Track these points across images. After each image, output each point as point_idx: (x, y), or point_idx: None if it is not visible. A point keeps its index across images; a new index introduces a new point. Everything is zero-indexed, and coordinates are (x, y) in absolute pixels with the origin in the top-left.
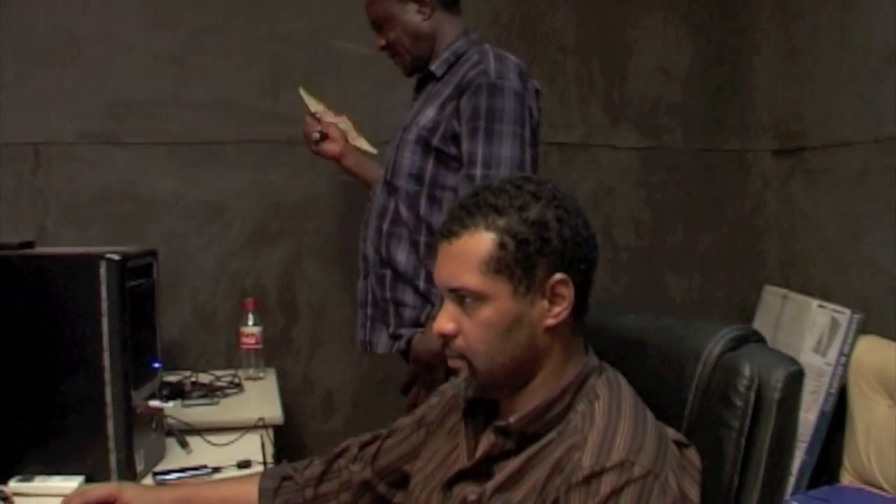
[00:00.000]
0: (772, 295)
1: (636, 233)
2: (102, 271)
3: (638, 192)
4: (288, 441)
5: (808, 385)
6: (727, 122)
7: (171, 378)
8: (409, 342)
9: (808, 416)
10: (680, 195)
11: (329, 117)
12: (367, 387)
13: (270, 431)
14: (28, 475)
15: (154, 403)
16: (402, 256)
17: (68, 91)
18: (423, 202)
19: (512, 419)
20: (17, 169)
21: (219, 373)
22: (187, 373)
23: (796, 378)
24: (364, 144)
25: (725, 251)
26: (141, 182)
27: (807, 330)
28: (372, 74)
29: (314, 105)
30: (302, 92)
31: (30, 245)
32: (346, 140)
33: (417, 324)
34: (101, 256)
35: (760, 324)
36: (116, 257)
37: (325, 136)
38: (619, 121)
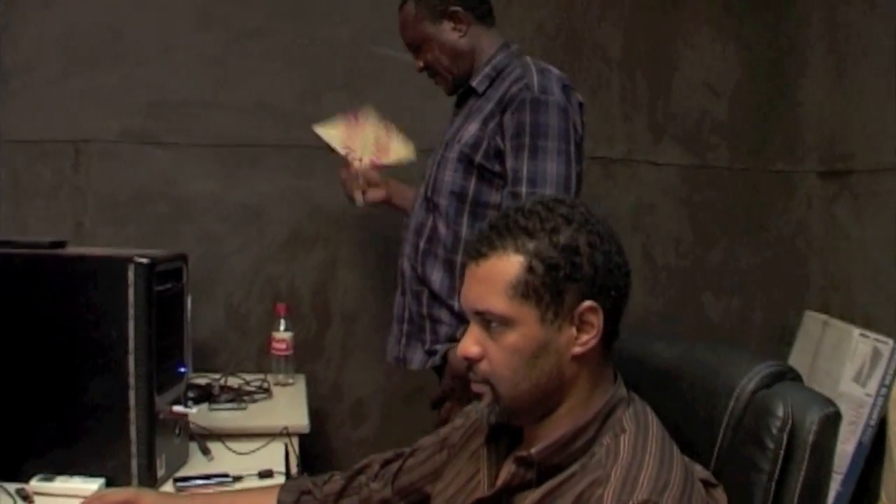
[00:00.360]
0: (812, 320)
1: (676, 252)
2: (130, 274)
3: (679, 210)
4: (315, 448)
5: (847, 415)
6: (773, 142)
7: (201, 381)
8: (443, 357)
9: (846, 447)
10: (722, 214)
11: (355, 152)
12: (397, 397)
13: (296, 439)
14: (49, 475)
15: (178, 409)
16: (436, 276)
17: (110, 90)
18: (465, 221)
19: (534, 450)
20: (57, 165)
21: (248, 377)
22: (217, 375)
23: (832, 421)
24: (399, 153)
25: (767, 273)
26: (179, 182)
27: (847, 358)
28: (414, 82)
29: (336, 140)
30: (320, 131)
31: (61, 245)
32: (387, 182)
33: (453, 339)
34: (129, 259)
35: (800, 350)
36: (144, 261)
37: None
38: (663, 137)
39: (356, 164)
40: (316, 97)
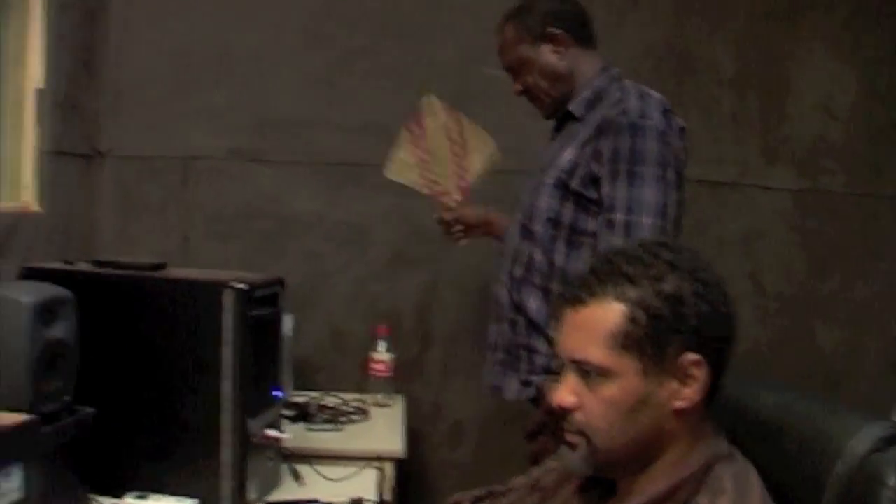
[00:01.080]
0: None
1: (787, 279)
2: (226, 299)
3: (791, 236)
4: (411, 468)
5: None
6: (892, 166)
7: (299, 399)
8: (539, 389)
9: None
10: (836, 241)
11: (438, 183)
12: (496, 421)
13: (391, 463)
14: (144, 493)
15: (271, 433)
16: (533, 304)
17: (219, 108)
18: (560, 248)
19: None
20: (166, 181)
21: (347, 396)
22: (315, 394)
23: None
24: (481, 151)
25: (883, 304)
26: (284, 200)
27: None
28: (519, 102)
29: (413, 175)
30: (393, 174)
31: (161, 267)
32: (485, 216)
33: (549, 370)
34: (225, 285)
35: None
36: (240, 286)
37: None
38: (775, 160)
39: (449, 204)
40: None
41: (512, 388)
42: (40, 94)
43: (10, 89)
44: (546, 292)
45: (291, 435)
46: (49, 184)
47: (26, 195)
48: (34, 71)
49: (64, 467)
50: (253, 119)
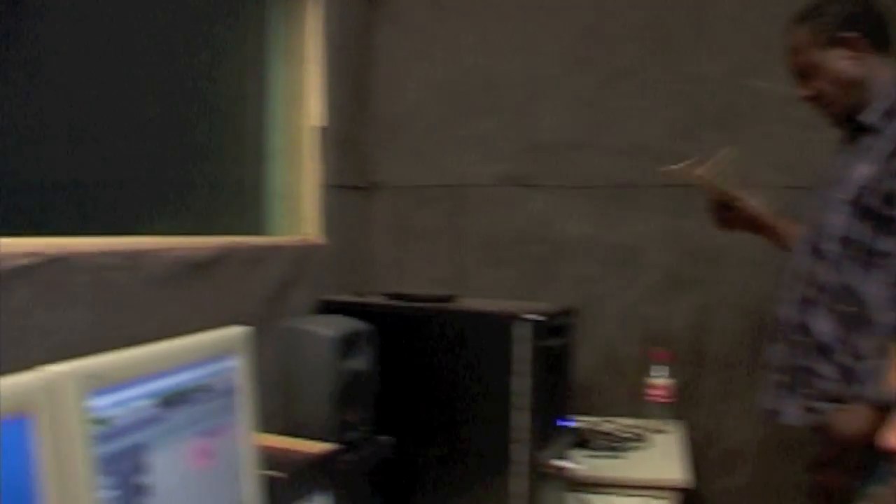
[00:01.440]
0: None
1: None
2: (520, 331)
3: None
4: (685, 495)
5: None
6: None
7: (576, 424)
8: (828, 419)
9: None
10: None
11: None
12: (773, 448)
13: (677, 494)
14: None
15: (560, 463)
16: (822, 326)
17: (487, 135)
18: (853, 269)
19: None
20: (440, 209)
21: (621, 420)
22: (590, 418)
23: None
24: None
25: None
26: (555, 224)
27: None
28: (793, 115)
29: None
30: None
31: (449, 298)
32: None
33: (835, 399)
34: (515, 316)
35: None
36: (531, 317)
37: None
38: None
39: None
40: (689, 134)
41: (790, 413)
42: (322, 131)
43: (289, 127)
44: (837, 314)
45: (583, 465)
46: (332, 216)
47: (308, 228)
48: (312, 109)
49: (365, 494)
50: (521, 144)
